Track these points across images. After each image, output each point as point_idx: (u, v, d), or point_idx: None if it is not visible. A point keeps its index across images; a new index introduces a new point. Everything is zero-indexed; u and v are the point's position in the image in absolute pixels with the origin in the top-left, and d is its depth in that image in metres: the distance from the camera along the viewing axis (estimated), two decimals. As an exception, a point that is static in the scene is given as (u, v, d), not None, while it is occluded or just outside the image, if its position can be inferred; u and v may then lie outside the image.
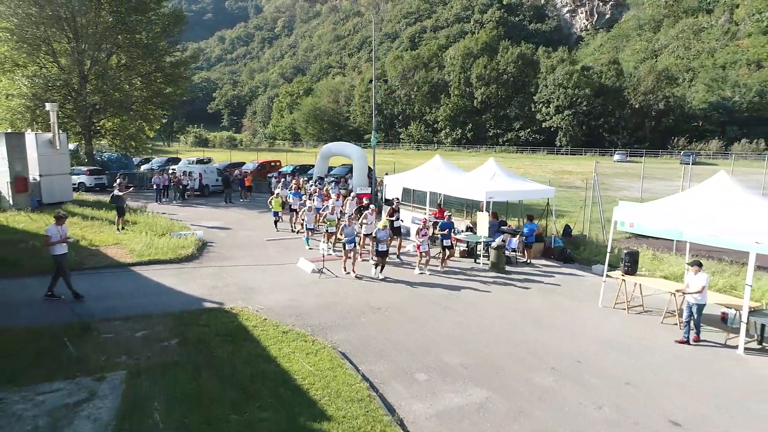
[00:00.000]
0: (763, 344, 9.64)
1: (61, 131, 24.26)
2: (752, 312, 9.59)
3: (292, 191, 20.69)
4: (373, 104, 27.47)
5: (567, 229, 17.88)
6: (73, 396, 6.84)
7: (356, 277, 13.33)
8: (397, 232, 16.27)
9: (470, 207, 21.06)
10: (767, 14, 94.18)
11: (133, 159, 40.22)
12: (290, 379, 7.58)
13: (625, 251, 11.91)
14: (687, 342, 9.61)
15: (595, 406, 7.26)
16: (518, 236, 16.08)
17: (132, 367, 7.76)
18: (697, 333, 9.74)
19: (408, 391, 7.56)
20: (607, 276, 11.81)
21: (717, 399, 7.55)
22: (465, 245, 16.34)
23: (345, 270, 13.58)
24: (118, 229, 17.33)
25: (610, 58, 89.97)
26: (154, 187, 26.09)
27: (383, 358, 8.62)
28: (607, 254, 11.99)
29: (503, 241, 15.44)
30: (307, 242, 16.94)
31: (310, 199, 18.93)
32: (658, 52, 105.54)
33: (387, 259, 13.82)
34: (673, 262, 14.07)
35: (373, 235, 13.44)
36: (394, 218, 16.28)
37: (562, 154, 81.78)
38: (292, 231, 19.45)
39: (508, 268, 14.75)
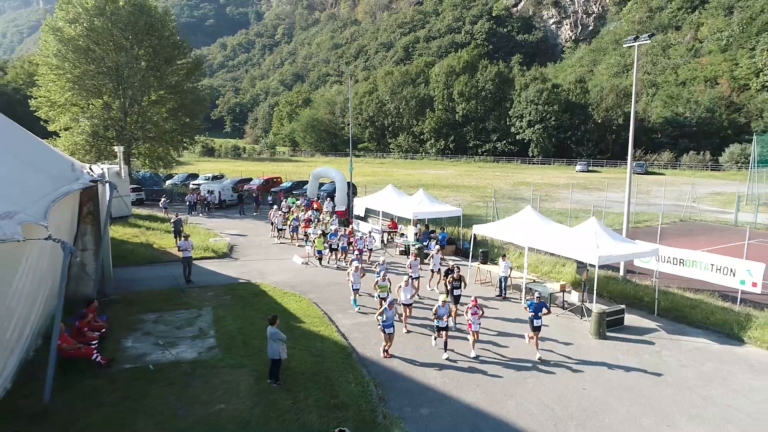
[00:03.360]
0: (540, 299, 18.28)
1: (123, 164, 32.86)
2: (531, 282, 18.30)
3: (331, 231, 23.40)
4: (350, 140, 36.15)
5: (474, 237, 26.56)
6: (192, 315, 15.55)
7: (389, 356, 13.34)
8: (456, 300, 15.85)
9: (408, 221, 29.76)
10: (726, 33, 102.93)
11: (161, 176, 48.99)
12: (287, 310, 16.25)
13: (481, 250, 20.68)
14: (500, 295, 18.28)
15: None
16: (436, 241, 24.80)
17: (213, 305, 16.47)
18: (504, 291, 18.39)
19: (343, 316, 16.20)
20: (472, 264, 20.54)
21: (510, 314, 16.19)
22: (403, 246, 25.04)
23: (384, 354, 13.30)
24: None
25: (577, 77, 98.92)
26: (188, 203, 34.83)
27: (333, 305, 17.25)
28: (470, 252, 20.75)
29: (424, 243, 24.17)
30: (355, 304, 16.86)
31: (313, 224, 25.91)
32: (629, 67, 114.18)
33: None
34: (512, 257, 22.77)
35: (433, 311, 13.34)
36: (455, 287, 15.92)
37: (534, 164, 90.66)
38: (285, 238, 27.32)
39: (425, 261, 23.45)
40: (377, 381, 11.98)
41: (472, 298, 13.60)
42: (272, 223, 27.67)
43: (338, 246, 22.36)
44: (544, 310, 13.59)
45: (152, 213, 33.93)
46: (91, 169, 18.55)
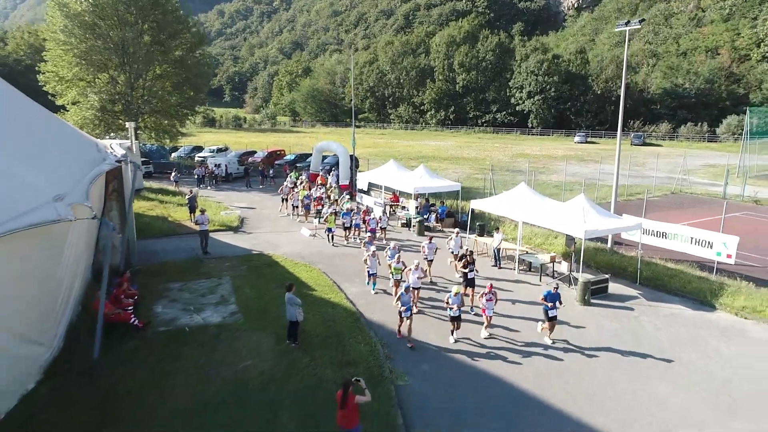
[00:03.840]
0: (531, 270, 19.72)
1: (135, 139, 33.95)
2: (524, 254, 19.71)
3: (344, 211, 23.52)
4: (352, 113, 37.09)
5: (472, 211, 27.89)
6: (213, 283, 16.99)
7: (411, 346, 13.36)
8: (470, 283, 16.14)
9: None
10: (729, 2, 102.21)
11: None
12: (299, 279, 17.66)
13: (478, 224, 22.04)
14: (495, 265, 19.71)
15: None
16: (435, 214, 26.15)
17: (231, 275, 17.90)
18: (498, 262, 19.82)
19: (350, 285, 17.64)
20: (470, 236, 21.93)
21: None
22: (404, 219, 26.37)
23: (399, 334, 13.73)
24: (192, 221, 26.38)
25: (578, 47, 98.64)
26: (196, 177, 36.01)
27: (341, 275, 18.68)
28: (468, 225, 22.11)
29: (424, 216, 25.52)
30: (373, 287, 17.19)
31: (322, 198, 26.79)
32: (631, 37, 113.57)
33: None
34: (507, 229, 24.12)
35: (445, 301, 13.59)
36: (467, 270, 16.05)
37: (533, 134, 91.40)
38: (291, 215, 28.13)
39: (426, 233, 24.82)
40: (383, 342, 13.48)
41: (488, 284, 14.00)
42: (284, 200, 28.38)
43: (351, 224, 22.86)
44: (558, 303, 13.61)
45: (162, 186, 35.14)
46: (112, 147, 19.70)
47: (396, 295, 13.98)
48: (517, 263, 19.39)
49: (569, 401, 11.05)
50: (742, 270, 18.71)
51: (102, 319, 11.90)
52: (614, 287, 17.80)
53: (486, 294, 13.70)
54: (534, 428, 10.19)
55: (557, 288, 13.75)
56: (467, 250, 17.36)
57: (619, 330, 14.61)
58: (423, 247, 18.22)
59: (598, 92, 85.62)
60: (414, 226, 25.22)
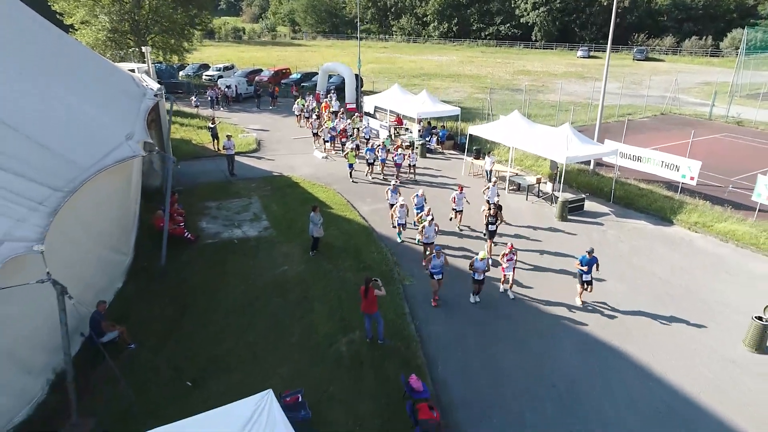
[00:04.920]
0: (519, 190, 22.41)
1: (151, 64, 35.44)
2: (513, 175, 22.33)
3: (369, 147, 23.84)
4: (358, 32, 38.11)
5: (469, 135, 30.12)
6: (244, 202, 19.77)
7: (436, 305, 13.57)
8: (492, 235, 16.29)
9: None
10: None
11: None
12: (318, 199, 20.39)
13: (475, 147, 24.49)
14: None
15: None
16: (436, 137, 28.44)
17: (259, 195, 20.63)
18: (490, 178, 22.45)
19: (362, 203, 20.41)
20: (467, 158, 24.45)
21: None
22: (408, 142, 28.70)
23: (433, 301, 13.58)
24: (215, 149, 28.14)
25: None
26: (209, 99, 37.80)
27: (354, 194, 21.39)
28: (465, 147, 24.57)
29: (426, 139, 27.83)
30: (399, 237, 17.29)
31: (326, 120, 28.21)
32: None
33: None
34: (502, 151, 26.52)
35: (469, 265, 13.24)
36: (490, 223, 16.03)
37: (536, 48, 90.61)
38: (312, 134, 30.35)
39: (428, 155, 27.28)
40: (392, 251, 16.47)
41: (509, 245, 13.93)
42: (315, 134, 28.34)
43: (375, 161, 23.12)
44: (595, 268, 13.29)
45: (177, 108, 36.95)
46: (143, 78, 21.69)
47: (427, 256, 14.21)
48: (507, 184, 22.04)
49: (533, 293, 14.14)
50: (705, 190, 21.40)
51: (167, 232, 14.80)
52: (590, 205, 20.58)
53: (507, 254, 13.67)
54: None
55: (592, 253, 13.30)
56: (497, 202, 16.74)
57: (587, 241, 17.52)
58: (453, 197, 17.83)
59: (605, 3, 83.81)
60: (417, 147, 27.60)
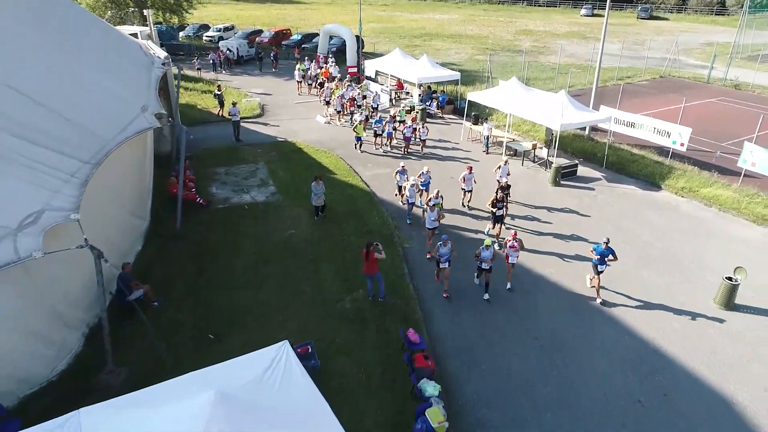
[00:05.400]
0: (516, 155, 23.21)
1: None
2: (510, 141, 23.09)
3: (377, 119, 23.42)
4: (359, 6, 38.01)
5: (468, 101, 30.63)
6: (251, 168, 20.66)
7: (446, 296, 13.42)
8: (498, 220, 16.00)
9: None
10: None
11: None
12: (321, 164, 21.26)
13: (473, 113, 25.15)
14: (486, 152, 23.19)
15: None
16: (436, 101, 29.00)
17: (265, 160, 21.49)
18: (488, 148, 23.25)
19: (364, 169, 21.28)
20: (466, 123, 25.14)
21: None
22: (408, 106, 29.29)
23: (444, 293, 13.39)
24: (220, 114, 28.57)
25: None
26: (211, 62, 38.08)
27: (355, 159, 22.22)
28: (465, 112, 25.22)
29: (426, 104, 28.41)
30: (408, 217, 17.10)
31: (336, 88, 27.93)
32: None
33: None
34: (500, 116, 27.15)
35: (476, 253, 12.91)
36: (496, 209, 15.71)
37: (540, 5, 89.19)
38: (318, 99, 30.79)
39: (428, 119, 27.92)
40: (392, 215, 17.46)
41: (512, 232, 13.57)
42: (327, 102, 28.26)
43: (383, 132, 23.09)
44: (611, 257, 12.89)
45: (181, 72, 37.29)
46: (149, 46, 22.18)
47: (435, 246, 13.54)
48: (505, 149, 22.82)
49: (522, 255, 15.22)
50: (695, 155, 22.19)
51: (181, 197, 15.78)
52: (584, 170, 21.44)
53: (510, 241, 13.25)
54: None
55: (608, 243, 12.91)
56: (505, 184, 16.73)
57: (578, 205, 18.49)
58: (462, 178, 17.48)
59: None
60: (417, 113, 28.23)
